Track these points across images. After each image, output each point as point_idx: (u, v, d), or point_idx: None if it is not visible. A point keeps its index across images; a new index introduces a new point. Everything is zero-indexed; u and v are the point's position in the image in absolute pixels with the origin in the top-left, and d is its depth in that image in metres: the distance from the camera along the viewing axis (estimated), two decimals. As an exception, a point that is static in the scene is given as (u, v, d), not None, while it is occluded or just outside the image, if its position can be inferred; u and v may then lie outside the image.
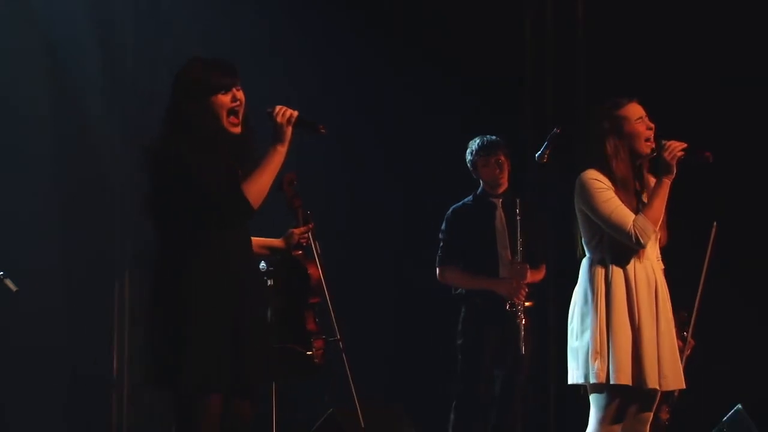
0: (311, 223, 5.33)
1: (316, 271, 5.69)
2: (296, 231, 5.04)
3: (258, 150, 4.28)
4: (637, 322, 4.69)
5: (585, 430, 4.86)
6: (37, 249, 7.12)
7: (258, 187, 4.16)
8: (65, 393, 7.13)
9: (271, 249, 4.93)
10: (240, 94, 4.24)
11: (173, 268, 4.16)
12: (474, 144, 6.59)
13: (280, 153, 4.23)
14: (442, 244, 6.62)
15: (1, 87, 7.14)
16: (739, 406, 6.45)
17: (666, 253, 4.96)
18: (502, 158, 6.55)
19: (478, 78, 7.57)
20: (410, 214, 7.63)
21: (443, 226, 6.63)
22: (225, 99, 4.20)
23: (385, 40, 7.81)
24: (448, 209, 6.66)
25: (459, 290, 6.59)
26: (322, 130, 4.33)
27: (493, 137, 6.59)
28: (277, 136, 4.23)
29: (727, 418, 6.48)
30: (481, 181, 6.61)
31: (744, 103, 7.12)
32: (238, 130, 4.23)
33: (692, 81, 7.16)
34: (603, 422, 4.74)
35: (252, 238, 4.44)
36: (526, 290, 6.35)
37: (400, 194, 7.84)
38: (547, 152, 5.31)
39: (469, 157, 6.61)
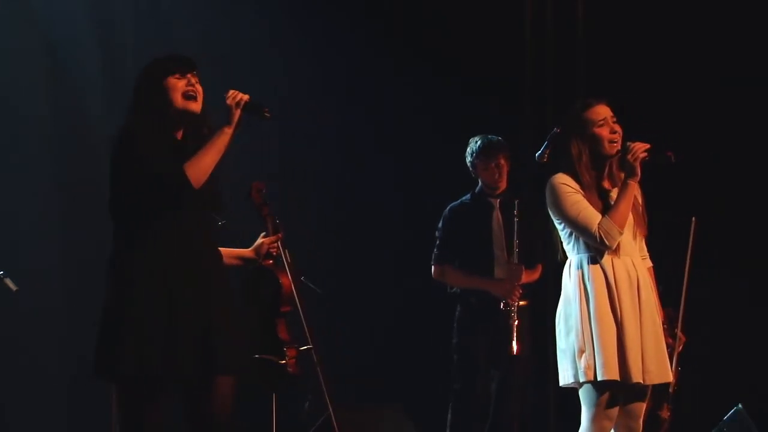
0: (281, 232, 5.31)
1: (287, 280, 5.66)
2: (266, 240, 5.03)
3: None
4: (619, 317, 4.71)
5: (585, 430, 4.87)
6: (37, 249, 7.12)
7: (199, 165, 4.21)
8: (65, 393, 7.12)
9: (243, 259, 4.93)
10: (194, 81, 4.31)
11: (115, 260, 4.25)
12: (475, 145, 6.56)
13: (225, 134, 4.28)
14: (438, 242, 6.63)
15: (1, 87, 7.14)
16: (739, 406, 6.46)
17: (651, 251, 5.00)
18: (503, 161, 6.53)
19: (478, 78, 7.57)
20: (410, 214, 7.63)
21: (440, 224, 6.64)
22: (179, 83, 4.29)
23: (385, 40, 7.81)
24: (446, 207, 6.67)
25: (454, 289, 6.60)
26: (267, 114, 4.37)
27: (495, 138, 6.56)
28: (226, 118, 4.30)
29: (727, 418, 6.49)
30: (479, 180, 6.62)
31: (743, 103, 7.12)
32: (197, 107, 4.30)
33: (692, 81, 7.17)
34: (595, 419, 4.74)
35: (222, 249, 4.48)
36: (521, 291, 6.37)
37: (400, 194, 7.84)
38: (547, 152, 5.31)
39: (469, 159, 6.58)
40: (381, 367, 7.69)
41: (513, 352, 6.27)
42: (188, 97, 4.29)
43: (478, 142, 6.56)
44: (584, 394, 4.78)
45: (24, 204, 7.11)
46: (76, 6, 7.37)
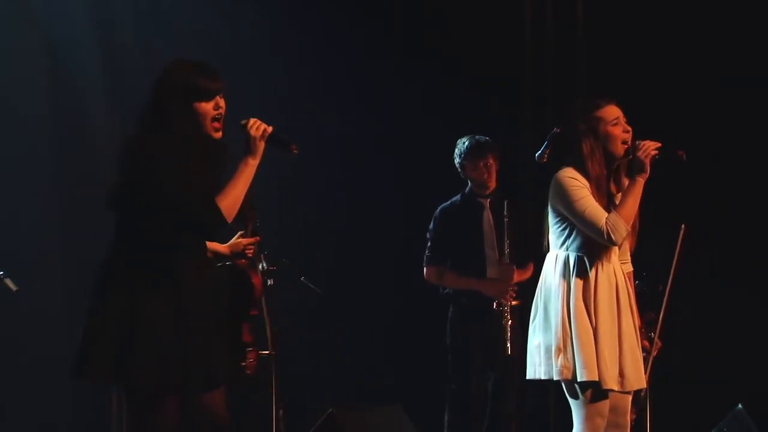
0: (259, 236, 5.27)
1: (260, 283, 5.64)
2: (243, 240, 5.02)
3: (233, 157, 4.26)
4: (594, 321, 4.71)
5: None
6: (37, 249, 7.12)
7: (231, 200, 4.17)
8: (65, 393, 7.12)
9: (216, 254, 4.91)
10: (222, 102, 4.22)
11: (131, 264, 4.16)
12: (463, 146, 6.58)
13: (251, 166, 4.22)
14: (429, 243, 6.65)
15: (1, 87, 7.14)
16: (740, 406, 6.46)
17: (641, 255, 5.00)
18: (491, 161, 6.55)
19: (478, 78, 7.58)
20: (410, 214, 7.63)
21: (431, 225, 6.66)
22: (208, 107, 4.18)
23: (385, 40, 7.81)
24: (437, 208, 6.68)
25: (446, 290, 6.61)
26: (295, 150, 4.29)
27: (483, 138, 6.58)
28: (249, 149, 4.22)
29: (727, 418, 6.49)
30: (469, 181, 6.62)
31: (743, 103, 7.12)
32: (219, 135, 4.22)
33: (692, 81, 7.17)
34: (586, 420, 4.73)
35: None
36: (514, 291, 6.37)
37: (400, 194, 7.85)
38: (547, 152, 5.31)
39: (457, 159, 6.61)
40: (381, 367, 7.69)
41: (508, 352, 6.28)
42: (215, 123, 4.19)
43: (466, 143, 6.58)
44: (571, 394, 4.78)
45: (24, 204, 7.11)
46: (76, 6, 7.37)
